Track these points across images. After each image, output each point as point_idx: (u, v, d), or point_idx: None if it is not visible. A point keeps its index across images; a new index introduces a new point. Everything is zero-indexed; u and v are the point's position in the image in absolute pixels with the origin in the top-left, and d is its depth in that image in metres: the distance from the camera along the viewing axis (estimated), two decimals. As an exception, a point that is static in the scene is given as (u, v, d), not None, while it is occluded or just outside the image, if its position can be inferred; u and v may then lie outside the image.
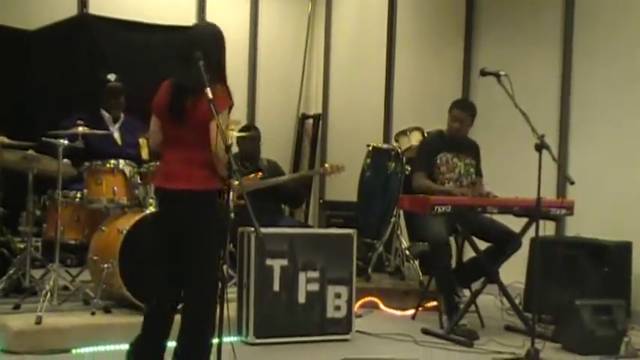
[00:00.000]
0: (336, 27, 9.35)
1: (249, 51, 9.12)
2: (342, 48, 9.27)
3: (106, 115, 6.18)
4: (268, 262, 4.93)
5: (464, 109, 5.73)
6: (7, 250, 5.47)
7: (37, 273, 5.38)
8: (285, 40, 9.42)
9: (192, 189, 3.77)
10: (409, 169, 6.39)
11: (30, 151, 5.23)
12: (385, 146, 7.11)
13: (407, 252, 6.67)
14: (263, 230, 3.61)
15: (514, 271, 5.89)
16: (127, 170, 5.32)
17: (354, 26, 9.14)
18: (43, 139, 5.12)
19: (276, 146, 8.34)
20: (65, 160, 5.21)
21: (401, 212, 6.72)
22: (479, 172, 5.85)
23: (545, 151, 4.59)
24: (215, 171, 3.74)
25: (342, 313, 5.11)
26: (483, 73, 5.09)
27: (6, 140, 5.15)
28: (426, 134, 6.54)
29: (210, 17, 8.64)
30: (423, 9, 8.28)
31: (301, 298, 5.01)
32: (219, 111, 3.58)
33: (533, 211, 4.80)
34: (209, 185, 3.76)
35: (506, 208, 5.33)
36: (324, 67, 9.42)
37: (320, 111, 9.46)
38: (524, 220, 5.38)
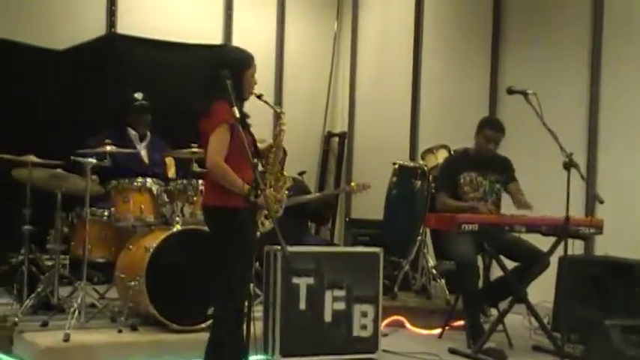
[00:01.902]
0: (361, 45, 9.36)
1: (275, 69, 9.14)
2: (368, 66, 9.27)
3: (132, 133, 6.22)
4: (294, 280, 4.92)
5: (497, 129, 5.68)
6: (35, 268, 5.51)
7: (64, 290, 5.41)
8: (311, 58, 9.44)
9: (208, 204, 4.05)
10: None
11: (58, 170, 5.28)
12: (411, 164, 7.09)
13: (433, 270, 6.63)
14: (289, 248, 3.65)
15: (542, 290, 5.83)
16: (154, 188, 5.35)
17: (379, 43, 9.15)
18: (72, 157, 5.17)
19: (301, 164, 8.35)
20: (93, 177, 5.26)
21: (427, 230, 6.68)
22: (513, 179, 5.77)
23: (573, 170, 4.56)
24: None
25: (368, 332, 5.08)
26: (511, 92, 5.07)
27: (35, 159, 5.20)
28: (452, 152, 6.51)
29: (236, 35, 8.70)
30: (450, 26, 8.27)
31: (327, 317, 4.99)
32: (214, 127, 3.85)
33: (562, 230, 4.76)
34: (221, 201, 3.91)
35: (534, 226, 5.29)
36: (349, 84, 9.43)
37: (346, 129, 9.46)
38: (553, 238, 5.33)
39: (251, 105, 4.13)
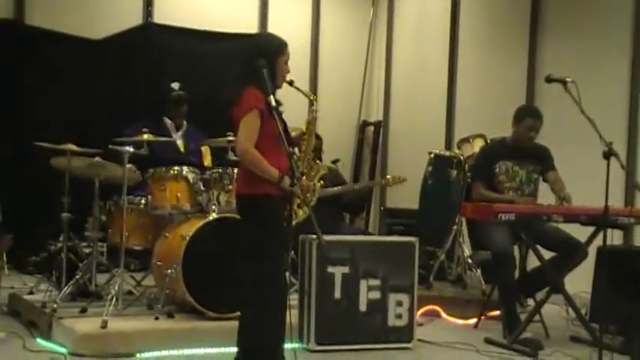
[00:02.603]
0: (397, 33, 9.32)
1: (311, 58, 9.15)
2: (404, 54, 9.23)
3: (168, 122, 6.26)
4: (330, 269, 4.92)
5: (537, 117, 5.60)
6: (73, 255, 5.59)
7: (102, 278, 5.48)
8: (346, 47, 9.42)
9: (239, 193, 4.03)
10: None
11: (97, 159, 5.33)
12: (447, 154, 7.04)
13: (469, 260, 6.59)
14: (325, 237, 3.65)
15: (580, 280, 5.77)
16: (190, 177, 5.37)
17: (415, 32, 9.10)
18: (110, 146, 5.21)
19: (336, 153, 8.34)
20: (130, 165, 5.30)
21: (463, 220, 6.65)
22: (552, 168, 5.70)
23: (613, 159, 4.49)
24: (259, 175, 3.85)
25: (403, 322, 5.08)
26: (549, 80, 5.00)
27: (74, 147, 5.26)
28: (489, 141, 6.46)
29: (272, 24, 8.72)
30: (486, 14, 8.19)
31: (362, 306, 4.99)
32: (244, 114, 3.80)
33: (601, 220, 4.69)
34: (251, 190, 3.89)
35: (572, 216, 5.22)
36: (385, 73, 9.40)
37: (381, 118, 9.43)
38: (591, 228, 5.26)
39: (284, 93, 4.12)
